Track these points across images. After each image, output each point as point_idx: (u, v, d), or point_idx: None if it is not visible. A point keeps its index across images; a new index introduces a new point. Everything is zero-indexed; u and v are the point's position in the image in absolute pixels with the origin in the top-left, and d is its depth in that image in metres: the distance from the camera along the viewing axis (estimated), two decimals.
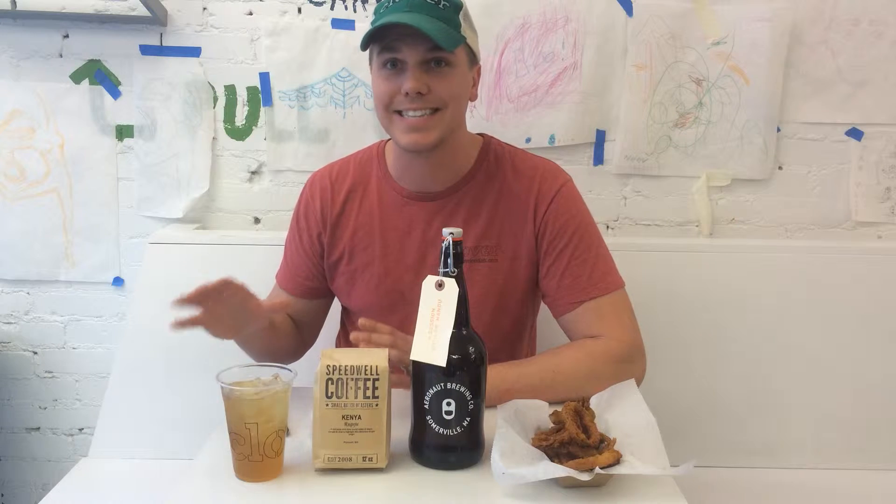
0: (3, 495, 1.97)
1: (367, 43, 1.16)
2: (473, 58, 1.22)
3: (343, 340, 1.43)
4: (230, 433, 0.93)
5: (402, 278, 1.27)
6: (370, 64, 1.22)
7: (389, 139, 1.32)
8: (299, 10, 1.77)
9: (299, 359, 1.36)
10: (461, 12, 1.17)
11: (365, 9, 1.77)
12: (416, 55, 1.13)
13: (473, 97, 1.26)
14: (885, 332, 1.71)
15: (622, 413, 1.02)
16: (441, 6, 1.13)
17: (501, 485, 0.89)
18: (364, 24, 1.77)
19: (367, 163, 1.33)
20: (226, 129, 1.82)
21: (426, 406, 0.95)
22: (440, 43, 1.10)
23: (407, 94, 1.14)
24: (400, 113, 1.17)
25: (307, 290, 1.35)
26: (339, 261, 1.31)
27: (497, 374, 1.12)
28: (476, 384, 0.95)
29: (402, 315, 1.23)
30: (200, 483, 0.95)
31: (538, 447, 0.93)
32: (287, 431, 1.06)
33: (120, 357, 1.70)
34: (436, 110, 1.16)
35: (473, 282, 1.24)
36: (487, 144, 1.31)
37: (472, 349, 0.95)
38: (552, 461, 0.90)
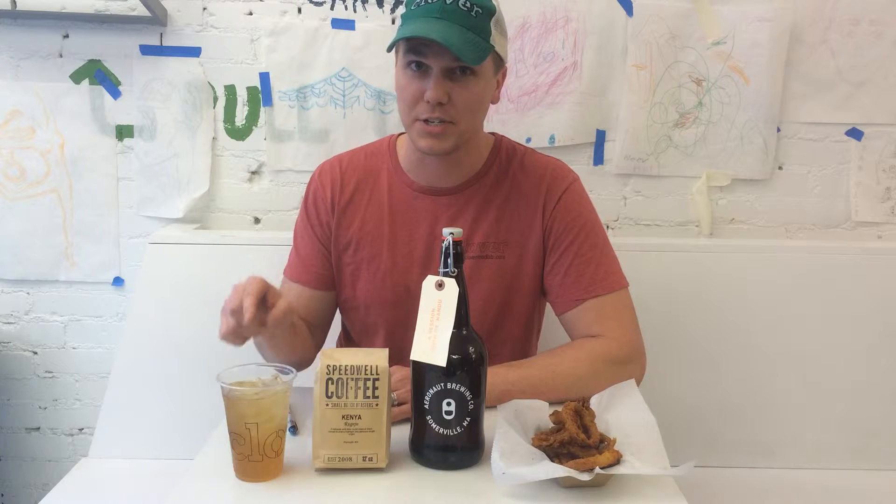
0: (3, 495, 1.97)
1: (394, 44, 1.16)
2: (500, 61, 1.22)
3: (344, 342, 1.43)
4: (230, 433, 0.93)
5: (409, 272, 1.27)
6: (395, 54, 1.21)
7: (401, 133, 1.33)
8: (299, 10, 1.77)
9: (311, 364, 1.34)
10: (493, 18, 1.16)
11: (365, 9, 1.77)
12: (441, 63, 1.13)
13: (495, 100, 1.25)
14: (885, 332, 1.71)
15: (622, 413, 1.02)
16: (474, 13, 1.12)
17: (501, 485, 0.89)
18: (364, 23, 1.77)
19: (377, 155, 1.34)
20: (226, 129, 1.82)
21: (426, 406, 0.95)
22: (465, 60, 1.10)
23: (428, 101, 1.14)
24: (422, 119, 1.17)
25: (321, 281, 1.33)
26: (346, 250, 1.31)
27: (497, 375, 1.12)
28: (476, 384, 0.95)
29: (406, 309, 1.23)
30: (200, 483, 0.95)
31: (538, 447, 0.93)
32: (296, 429, 1.07)
33: (120, 357, 1.70)
34: (450, 122, 1.17)
35: (481, 278, 1.26)
36: (499, 143, 1.32)
37: (472, 349, 0.95)
38: (552, 461, 0.90)
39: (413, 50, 1.14)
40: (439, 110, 1.15)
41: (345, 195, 1.31)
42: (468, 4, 1.12)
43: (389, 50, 1.17)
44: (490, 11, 1.15)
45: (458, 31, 1.11)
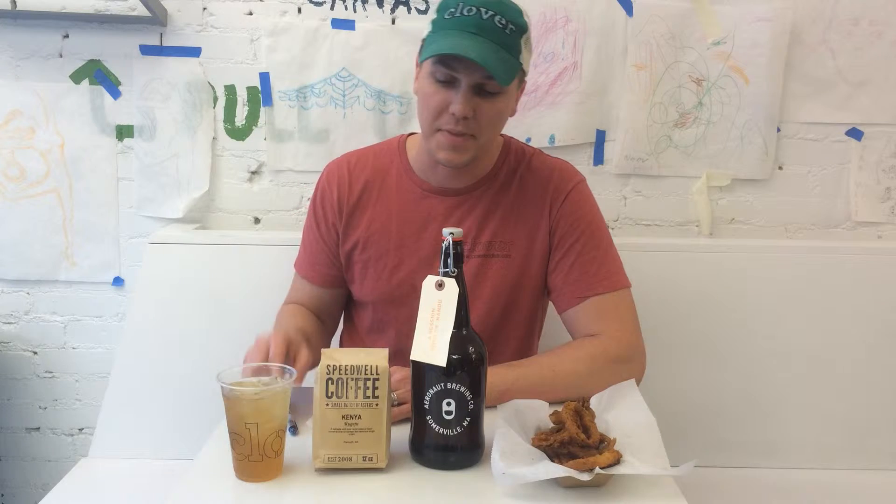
0: (3, 495, 1.97)
1: (428, 56, 1.14)
2: (523, 76, 1.22)
3: (347, 336, 1.44)
4: (230, 433, 0.93)
5: (416, 271, 1.27)
6: (418, 58, 1.21)
7: (411, 133, 1.34)
8: (299, 10, 1.77)
9: None
10: (524, 36, 1.15)
11: (365, 9, 1.77)
12: (471, 79, 1.13)
13: (513, 112, 1.25)
14: (885, 332, 1.71)
15: (622, 413, 1.01)
16: (508, 31, 1.12)
17: (501, 485, 0.89)
18: (364, 23, 1.77)
19: (386, 155, 1.34)
20: (226, 129, 1.82)
21: (426, 406, 0.95)
22: (499, 81, 1.10)
23: (454, 114, 1.14)
24: (444, 129, 1.17)
25: (328, 279, 1.36)
26: (354, 249, 1.32)
27: (497, 375, 1.12)
28: (476, 384, 0.95)
29: (411, 308, 1.22)
30: (200, 483, 0.95)
31: (538, 447, 0.93)
32: (296, 429, 1.07)
33: (120, 357, 1.70)
34: (472, 136, 1.17)
35: (487, 276, 1.27)
36: (508, 145, 1.34)
37: (472, 349, 0.95)
38: (552, 461, 0.90)
39: (443, 62, 1.13)
40: (463, 124, 1.15)
41: (353, 196, 1.32)
42: (503, 21, 1.11)
43: (422, 60, 1.17)
44: (522, 29, 1.14)
45: (492, 49, 1.10)
